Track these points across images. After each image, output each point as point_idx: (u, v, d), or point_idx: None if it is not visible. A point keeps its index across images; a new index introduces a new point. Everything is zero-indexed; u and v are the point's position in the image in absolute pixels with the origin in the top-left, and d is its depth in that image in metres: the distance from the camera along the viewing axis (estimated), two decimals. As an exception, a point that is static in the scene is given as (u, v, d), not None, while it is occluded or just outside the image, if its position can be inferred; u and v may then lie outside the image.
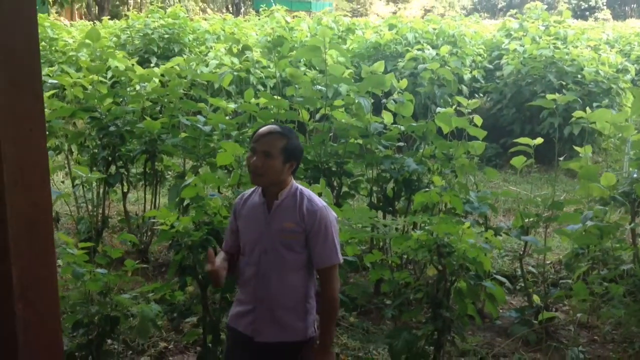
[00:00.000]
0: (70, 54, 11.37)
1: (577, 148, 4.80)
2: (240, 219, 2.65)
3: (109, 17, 18.58)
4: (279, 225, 2.52)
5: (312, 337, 2.62)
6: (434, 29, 12.00)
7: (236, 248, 2.68)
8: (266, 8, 16.77)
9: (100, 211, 5.98)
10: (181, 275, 3.69)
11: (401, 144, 5.46)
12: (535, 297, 4.35)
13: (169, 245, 3.66)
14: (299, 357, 2.59)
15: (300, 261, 2.54)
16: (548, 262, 5.76)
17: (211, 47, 11.12)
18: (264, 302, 2.55)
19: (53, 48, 12.34)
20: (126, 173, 5.93)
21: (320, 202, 2.58)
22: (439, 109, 5.23)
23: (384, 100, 5.57)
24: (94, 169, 5.68)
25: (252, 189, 2.71)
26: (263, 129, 2.55)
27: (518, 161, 4.60)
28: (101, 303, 3.38)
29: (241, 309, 2.63)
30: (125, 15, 15.53)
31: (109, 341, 3.66)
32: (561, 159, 4.62)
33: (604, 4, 61.92)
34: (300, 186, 2.62)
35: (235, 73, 6.75)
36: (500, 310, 4.57)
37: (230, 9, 39.87)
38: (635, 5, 66.45)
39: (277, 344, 2.55)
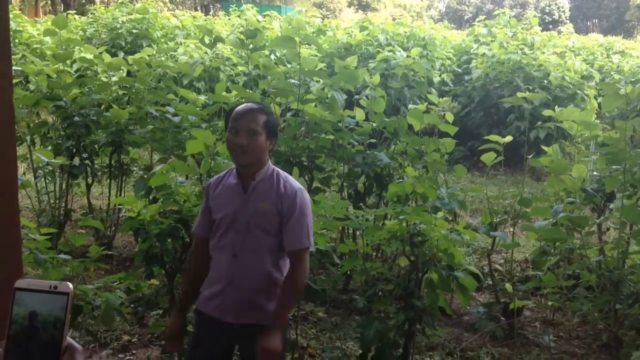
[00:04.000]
0: (35, 46, 11.08)
1: (545, 148, 4.86)
2: (213, 200, 2.58)
3: (75, 13, 18.16)
4: (254, 206, 2.47)
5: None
6: (405, 31, 12.09)
7: (208, 229, 2.61)
8: (236, 9, 16.65)
9: (63, 204, 5.80)
10: (147, 265, 3.59)
11: (373, 140, 5.46)
12: (507, 285, 4.38)
13: (134, 234, 3.55)
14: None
15: (273, 244, 2.49)
16: (515, 261, 5.82)
17: (181, 43, 10.97)
18: (234, 282, 2.48)
19: (17, 40, 11.99)
20: (91, 165, 5.77)
21: (297, 183, 2.54)
22: (410, 106, 5.25)
23: (356, 97, 5.56)
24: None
25: (226, 171, 2.64)
26: (241, 107, 2.47)
27: (488, 157, 4.62)
28: (63, 291, 3.26)
29: (211, 290, 2.55)
30: (92, 13, 15.21)
31: (71, 331, 3.54)
32: (529, 156, 4.66)
33: (567, 18, 63.69)
34: (276, 168, 2.57)
35: (207, 63, 6.62)
36: (468, 307, 4.60)
37: (199, 9, 39.57)
38: (596, 21, 68.49)
39: (246, 326, 2.48)
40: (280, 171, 2.56)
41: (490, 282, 5.07)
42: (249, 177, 2.49)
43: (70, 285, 0.94)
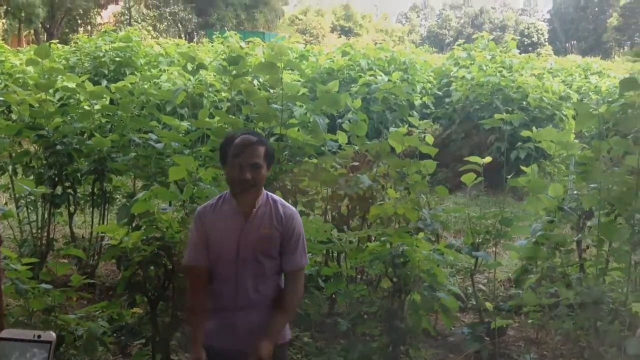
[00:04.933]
0: (17, 75, 11.08)
1: (523, 168, 4.94)
2: (210, 230, 2.52)
3: (58, 42, 18.18)
4: (257, 233, 2.48)
5: (290, 339, 2.65)
6: (386, 56, 12.28)
7: (207, 259, 2.55)
8: (219, 36, 16.80)
9: (45, 233, 5.76)
10: (130, 293, 3.58)
11: (356, 163, 5.51)
12: (488, 305, 4.40)
13: (117, 262, 3.54)
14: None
15: (274, 267, 2.53)
16: (498, 280, 5.86)
17: (164, 71, 11.03)
18: (243, 311, 2.49)
19: (-1, 70, 12.01)
20: (73, 193, 5.75)
21: (290, 205, 2.60)
22: (392, 129, 5.32)
23: (339, 121, 5.63)
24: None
25: (216, 198, 2.61)
26: (241, 141, 2.46)
27: (468, 178, 4.68)
28: (45, 321, 3.23)
29: (216, 323, 2.52)
30: (75, 42, 15.24)
31: (53, 362, 3.49)
32: (509, 177, 4.73)
33: (546, 40, 65.04)
34: (267, 192, 2.60)
35: (190, 90, 6.67)
36: (452, 328, 4.61)
37: (183, 37, 39.81)
38: (575, 42, 69.93)
39: None
40: (273, 195, 2.60)
41: (474, 302, 5.09)
42: (250, 205, 2.50)
43: (54, 334, 0.96)
